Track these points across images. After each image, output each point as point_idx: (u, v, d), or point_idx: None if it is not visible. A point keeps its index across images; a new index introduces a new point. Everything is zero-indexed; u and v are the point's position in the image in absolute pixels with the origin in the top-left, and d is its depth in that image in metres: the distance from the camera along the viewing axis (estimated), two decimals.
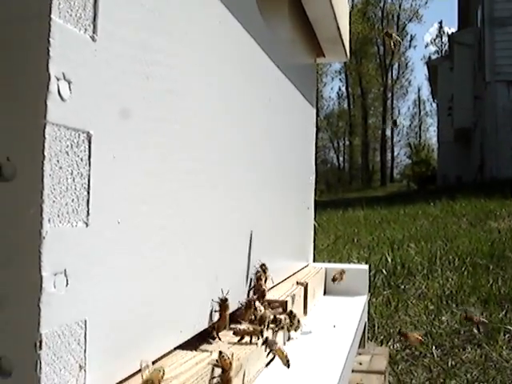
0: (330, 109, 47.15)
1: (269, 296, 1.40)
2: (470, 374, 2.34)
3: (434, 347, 2.68)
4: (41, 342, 0.56)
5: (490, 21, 15.87)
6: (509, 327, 2.87)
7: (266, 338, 1.11)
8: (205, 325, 1.05)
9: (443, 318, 3.15)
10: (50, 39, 0.56)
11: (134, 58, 0.75)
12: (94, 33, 0.64)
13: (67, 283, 0.60)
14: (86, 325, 0.63)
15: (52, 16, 0.56)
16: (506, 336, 2.80)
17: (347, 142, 46.27)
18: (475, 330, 2.30)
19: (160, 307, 0.87)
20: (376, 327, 3.01)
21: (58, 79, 0.57)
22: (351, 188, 35.16)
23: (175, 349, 0.93)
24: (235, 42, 1.23)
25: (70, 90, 0.59)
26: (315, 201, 2.33)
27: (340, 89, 49.05)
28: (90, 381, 0.65)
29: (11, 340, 0.57)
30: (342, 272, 2.04)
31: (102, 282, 0.67)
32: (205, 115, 1.04)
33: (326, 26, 2.03)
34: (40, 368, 0.56)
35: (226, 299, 1.08)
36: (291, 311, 1.36)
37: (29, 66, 0.56)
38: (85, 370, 0.64)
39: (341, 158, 47.41)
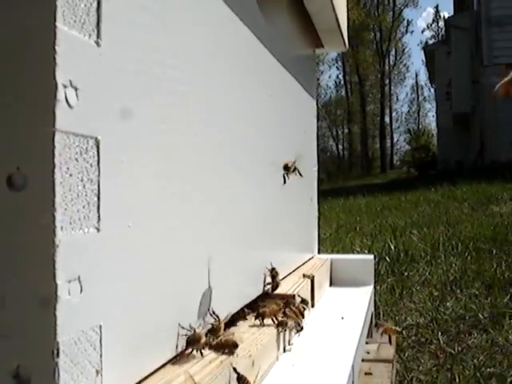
0: (328, 97, 47.10)
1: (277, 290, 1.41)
2: (477, 359, 2.34)
3: (439, 333, 2.69)
4: (58, 350, 0.56)
5: (486, 3, 15.82)
6: None
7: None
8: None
9: (448, 303, 3.15)
10: (56, 47, 0.56)
11: (139, 61, 0.75)
12: (98, 38, 0.64)
13: (81, 290, 0.60)
14: (101, 330, 0.64)
15: (57, 24, 0.56)
16: None
17: (346, 130, 46.21)
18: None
19: (172, 309, 0.87)
20: (381, 315, 3.02)
21: (65, 87, 0.57)
22: (351, 176, 35.14)
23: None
24: (235, 38, 1.22)
25: (77, 96, 0.59)
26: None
27: (338, 77, 48.93)
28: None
29: (29, 348, 0.57)
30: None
31: (116, 287, 0.68)
32: (211, 113, 1.04)
33: (324, 18, 2.03)
34: (58, 375, 0.56)
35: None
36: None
37: (36, 74, 0.56)
38: (101, 375, 0.64)
39: (340, 146, 47.38)
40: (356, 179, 28.62)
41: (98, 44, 0.64)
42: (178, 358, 0.88)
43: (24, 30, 0.57)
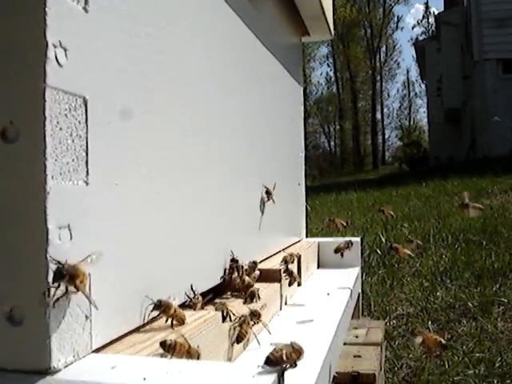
0: (319, 94, 47.04)
1: (261, 267, 1.45)
2: (466, 345, 2.39)
3: (429, 322, 2.73)
4: (49, 290, 0.60)
5: None
6: (503, 299, 2.93)
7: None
8: (203, 288, 1.10)
9: (438, 293, 3.20)
10: (47, 9, 0.60)
11: (125, 29, 0.79)
12: (86, 4, 0.68)
13: (71, 237, 0.64)
14: (90, 277, 0.67)
15: None
16: (501, 308, 2.85)
17: (338, 127, 46.14)
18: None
19: (157, 267, 0.91)
20: (372, 305, 3.06)
21: (54, 46, 0.61)
22: (343, 172, 35.09)
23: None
24: (224, 21, 1.27)
25: (66, 57, 0.63)
26: (308, 186, 2.37)
27: (328, 74, 48.85)
28: (96, 331, 0.70)
29: (21, 291, 0.61)
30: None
31: (102, 239, 0.72)
32: (200, 87, 1.09)
33: (309, 3, 2.06)
34: (49, 315, 0.60)
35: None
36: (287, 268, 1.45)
37: (27, 34, 0.61)
38: (90, 321, 0.68)
39: (332, 143, 47.32)
40: (348, 175, 28.60)
41: (85, 10, 0.68)
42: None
43: None
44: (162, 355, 0.73)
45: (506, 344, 2.40)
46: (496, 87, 15.29)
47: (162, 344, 0.73)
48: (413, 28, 70.28)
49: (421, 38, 36.46)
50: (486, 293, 3.08)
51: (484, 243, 4.32)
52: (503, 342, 2.41)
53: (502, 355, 2.24)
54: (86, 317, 0.67)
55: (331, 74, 45.97)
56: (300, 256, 1.72)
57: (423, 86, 34.96)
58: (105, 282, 0.73)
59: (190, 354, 0.75)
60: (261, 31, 1.57)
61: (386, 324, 2.63)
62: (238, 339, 1.00)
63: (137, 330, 0.83)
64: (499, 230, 4.76)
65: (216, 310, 0.98)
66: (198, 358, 0.77)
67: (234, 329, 1.00)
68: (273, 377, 0.62)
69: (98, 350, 0.71)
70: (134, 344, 0.76)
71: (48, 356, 0.60)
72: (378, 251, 4.25)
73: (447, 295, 3.15)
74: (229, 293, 1.24)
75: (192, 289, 1.02)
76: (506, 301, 2.92)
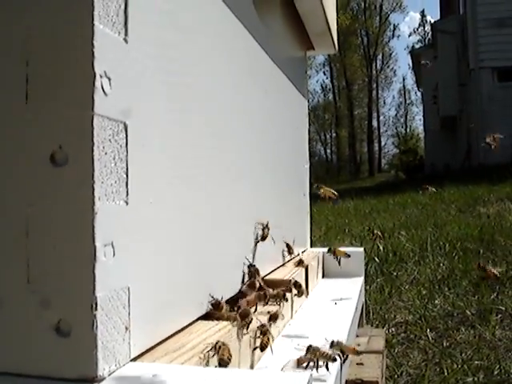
0: (316, 101, 47.16)
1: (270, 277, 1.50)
2: (465, 353, 2.41)
3: (428, 330, 2.75)
4: (96, 304, 0.65)
5: (472, 7, 15.95)
6: (501, 307, 2.95)
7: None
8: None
9: (436, 301, 3.21)
10: (94, 42, 0.65)
11: (156, 57, 0.85)
12: (125, 35, 0.73)
13: (114, 254, 0.69)
14: (129, 291, 0.72)
15: (95, 22, 0.65)
16: (499, 316, 2.87)
17: (334, 134, 46.23)
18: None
19: (192, 277, 0.98)
20: (371, 313, 3.08)
21: (101, 76, 0.66)
22: (340, 180, 35.14)
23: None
24: (235, 37, 1.32)
25: (110, 85, 0.68)
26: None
27: (324, 81, 48.88)
28: (134, 341, 0.74)
29: (70, 304, 0.66)
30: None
31: (140, 253, 0.77)
32: (217, 105, 1.15)
33: (315, 21, 2.11)
34: (96, 327, 0.65)
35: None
36: (296, 281, 1.50)
37: (77, 65, 0.65)
38: (129, 331, 0.73)
39: (328, 150, 47.43)
40: (344, 183, 28.65)
41: (125, 41, 0.73)
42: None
43: (67, 27, 0.66)
44: (199, 361, 0.78)
45: (504, 352, 2.42)
46: (492, 95, 15.37)
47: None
48: (409, 36, 70.57)
49: (417, 46, 36.61)
50: (484, 301, 3.10)
51: (481, 251, 4.35)
52: (501, 350, 2.43)
53: (501, 363, 2.26)
54: (126, 328, 0.72)
55: (327, 81, 46.11)
56: (307, 266, 1.77)
57: (419, 93, 35.05)
58: (143, 295, 0.78)
59: None
60: (269, 47, 1.62)
61: (385, 332, 2.66)
62: (262, 347, 1.05)
63: (167, 339, 0.88)
64: (496, 238, 4.79)
65: (241, 316, 1.03)
66: None
67: (257, 337, 1.06)
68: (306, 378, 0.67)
69: (135, 359, 0.75)
70: (168, 352, 0.81)
71: (95, 365, 0.65)
72: (376, 259, 4.28)
73: (445, 303, 3.17)
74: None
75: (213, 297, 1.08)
76: (503, 309, 2.94)
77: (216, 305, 1.00)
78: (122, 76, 0.71)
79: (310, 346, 1.04)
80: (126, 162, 0.72)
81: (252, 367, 1.04)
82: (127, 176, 0.72)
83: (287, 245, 1.76)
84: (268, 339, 1.05)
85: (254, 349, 1.05)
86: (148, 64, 0.81)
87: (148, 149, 0.80)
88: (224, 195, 1.18)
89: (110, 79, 0.68)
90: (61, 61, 0.66)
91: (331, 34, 2.25)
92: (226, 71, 1.24)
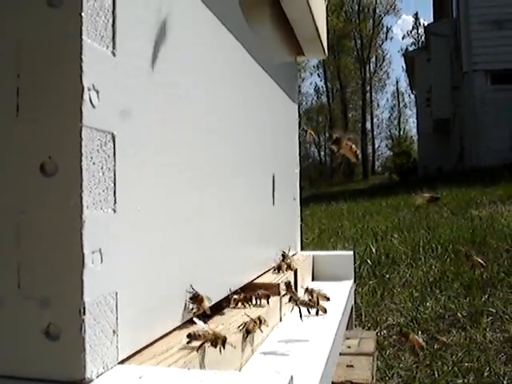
0: (310, 104, 47.21)
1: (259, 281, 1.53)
2: (456, 355, 2.42)
3: (419, 332, 2.77)
4: (84, 309, 0.67)
5: (465, 10, 15.99)
6: (491, 310, 2.97)
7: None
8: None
9: (428, 304, 3.23)
10: (82, 56, 0.67)
11: (144, 69, 0.87)
12: (113, 48, 0.75)
13: (101, 260, 0.71)
14: (117, 296, 0.75)
15: (83, 37, 0.68)
16: (489, 318, 2.88)
17: (328, 136, 46.15)
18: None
19: (178, 282, 1.00)
20: (363, 316, 3.10)
21: (89, 89, 0.69)
22: (333, 182, 35.18)
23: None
24: (224, 46, 1.34)
25: (98, 98, 0.71)
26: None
27: (316, 84, 48.87)
28: (121, 344, 0.77)
29: (58, 308, 0.68)
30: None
31: (128, 259, 0.80)
32: (201, 114, 1.16)
33: (304, 27, 2.14)
34: (84, 331, 0.68)
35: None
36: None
37: (66, 79, 0.68)
38: (117, 335, 0.76)
39: (322, 153, 47.40)
40: (338, 185, 28.67)
41: (114, 54, 0.75)
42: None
43: (57, 42, 0.68)
44: (184, 364, 0.81)
45: (494, 354, 2.43)
46: (485, 98, 15.41)
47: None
48: (403, 38, 70.74)
49: (410, 49, 36.69)
50: (475, 303, 3.11)
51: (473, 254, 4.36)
52: (492, 352, 2.44)
53: (491, 365, 2.28)
54: (114, 331, 0.74)
55: (321, 84, 46.13)
56: (296, 270, 1.79)
57: (413, 96, 35.12)
58: (130, 300, 0.80)
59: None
60: (258, 52, 1.65)
61: (376, 334, 2.67)
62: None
63: (154, 343, 0.90)
64: (488, 241, 4.80)
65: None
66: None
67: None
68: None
69: (122, 362, 0.78)
70: (155, 355, 0.84)
71: (83, 368, 0.67)
72: (369, 261, 4.30)
73: (437, 305, 3.19)
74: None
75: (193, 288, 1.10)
76: (494, 311, 2.95)
77: (195, 297, 1.02)
78: (109, 88, 0.74)
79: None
80: (114, 171, 0.75)
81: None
82: (115, 185, 0.75)
83: (282, 251, 1.79)
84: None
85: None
86: (136, 76, 0.83)
87: (136, 158, 0.83)
88: (212, 202, 1.20)
89: (97, 92, 0.70)
90: (50, 74, 0.68)
91: (321, 40, 2.28)
92: (215, 80, 1.26)
